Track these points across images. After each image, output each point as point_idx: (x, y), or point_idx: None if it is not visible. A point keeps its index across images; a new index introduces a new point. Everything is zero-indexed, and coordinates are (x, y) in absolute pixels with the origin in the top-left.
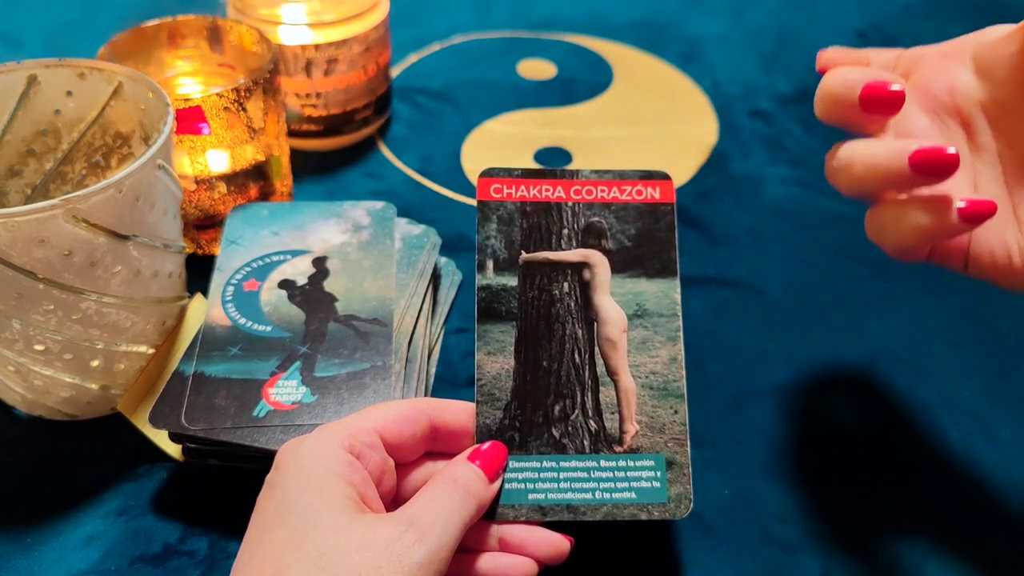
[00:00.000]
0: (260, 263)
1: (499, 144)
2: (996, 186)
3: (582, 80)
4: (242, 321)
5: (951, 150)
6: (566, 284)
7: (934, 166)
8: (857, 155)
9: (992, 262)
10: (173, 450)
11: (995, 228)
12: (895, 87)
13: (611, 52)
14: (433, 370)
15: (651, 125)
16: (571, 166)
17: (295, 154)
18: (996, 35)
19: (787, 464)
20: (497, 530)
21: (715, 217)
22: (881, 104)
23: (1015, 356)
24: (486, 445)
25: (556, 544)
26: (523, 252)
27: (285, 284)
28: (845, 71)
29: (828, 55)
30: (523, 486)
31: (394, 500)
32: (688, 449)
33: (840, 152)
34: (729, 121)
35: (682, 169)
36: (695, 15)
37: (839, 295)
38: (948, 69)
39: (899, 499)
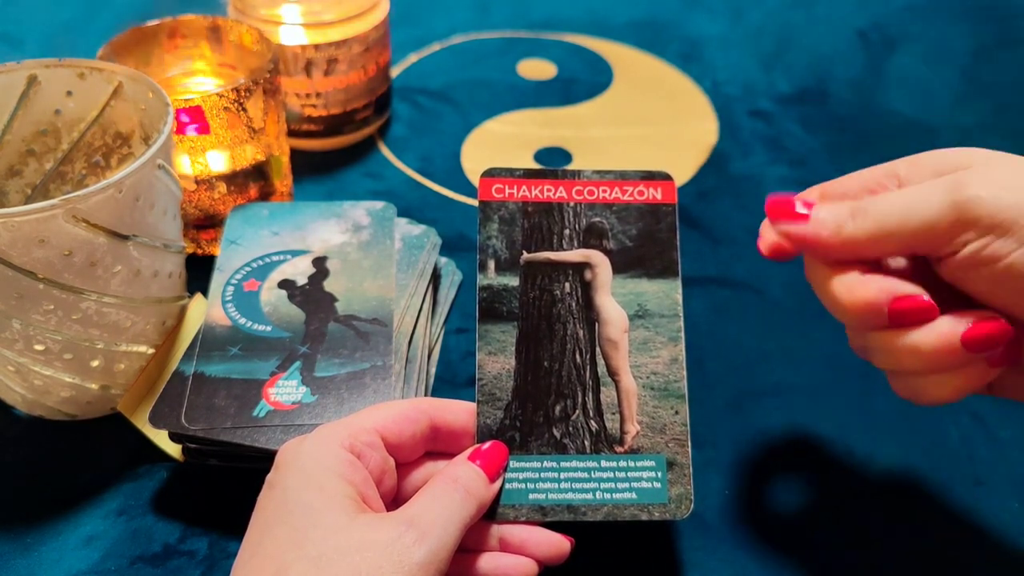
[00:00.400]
0: (260, 263)
1: (499, 144)
2: None
3: (582, 80)
4: (242, 321)
5: (1000, 319)
6: (567, 284)
7: (990, 341)
8: (904, 348)
9: (1014, 386)
10: (173, 450)
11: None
12: (925, 299)
13: (611, 52)
14: (433, 370)
15: (651, 125)
16: (571, 166)
17: (295, 154)
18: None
19: (787, 464)
20: (497, 530)
21: (715, 217)
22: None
23: None
24: (487, 445)
25: (556, 544)
26: (524, 252)
27: (285, 284)
28: (858, 281)
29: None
30: (524, 486)
31: (394, 500)
32: (689, 450)
33: (881, 345)
34: (729, 121)
35: (682, 169)
36: (695, 15)
37: None
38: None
39: (899, 499)
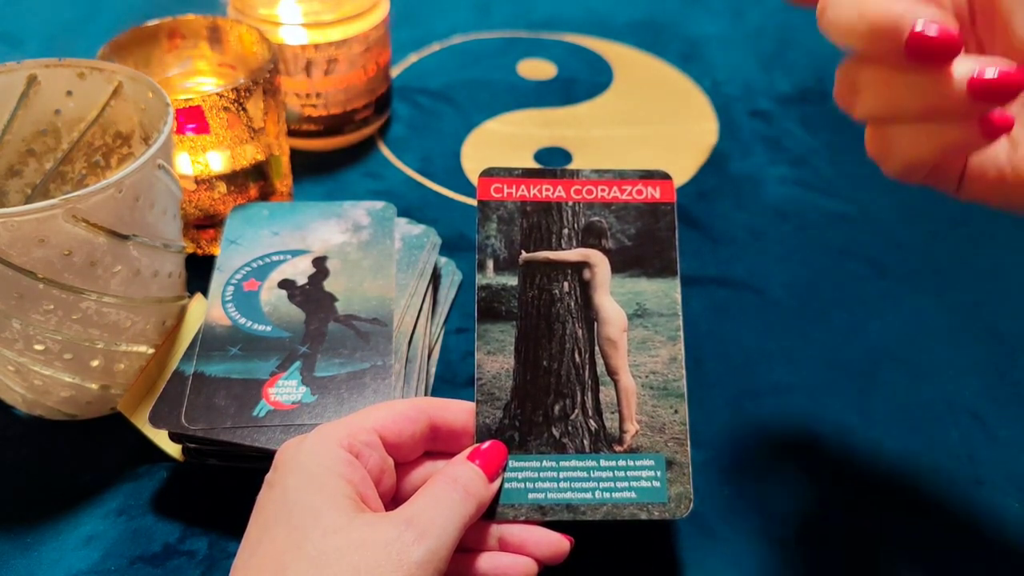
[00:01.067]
0: (260, 263)
1: (499, 144)
2: None
3: (582, 80)
4: (242, 321)
5: (1013, 69)
6: (566, 284)
7: (1001, 91)
8: (898, 80)
9: (984, 179)
10: (173, 450)
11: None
12: (951, 30)
13: (611, 52)
14: (433, 370)
15: (651, 125)
16: (571, 166)
17: (295, 154)
18: None
19: (787, 464)
20: (497, 529)
21: (715, 217)
22: (936, 55)
23: (1015, 356)
24: (486, 444)
25: (556, 544)
26: (523, 252)
27: (285, 284)
28: None
29: None
30: (523, 485)
31: (394, 499)
32: (688, 449)
33: (878, 80)
34: (729, 121)
35: (682, 169)
36: (695, 15)
37: (839, 295)
38: None
39: (899, 499)
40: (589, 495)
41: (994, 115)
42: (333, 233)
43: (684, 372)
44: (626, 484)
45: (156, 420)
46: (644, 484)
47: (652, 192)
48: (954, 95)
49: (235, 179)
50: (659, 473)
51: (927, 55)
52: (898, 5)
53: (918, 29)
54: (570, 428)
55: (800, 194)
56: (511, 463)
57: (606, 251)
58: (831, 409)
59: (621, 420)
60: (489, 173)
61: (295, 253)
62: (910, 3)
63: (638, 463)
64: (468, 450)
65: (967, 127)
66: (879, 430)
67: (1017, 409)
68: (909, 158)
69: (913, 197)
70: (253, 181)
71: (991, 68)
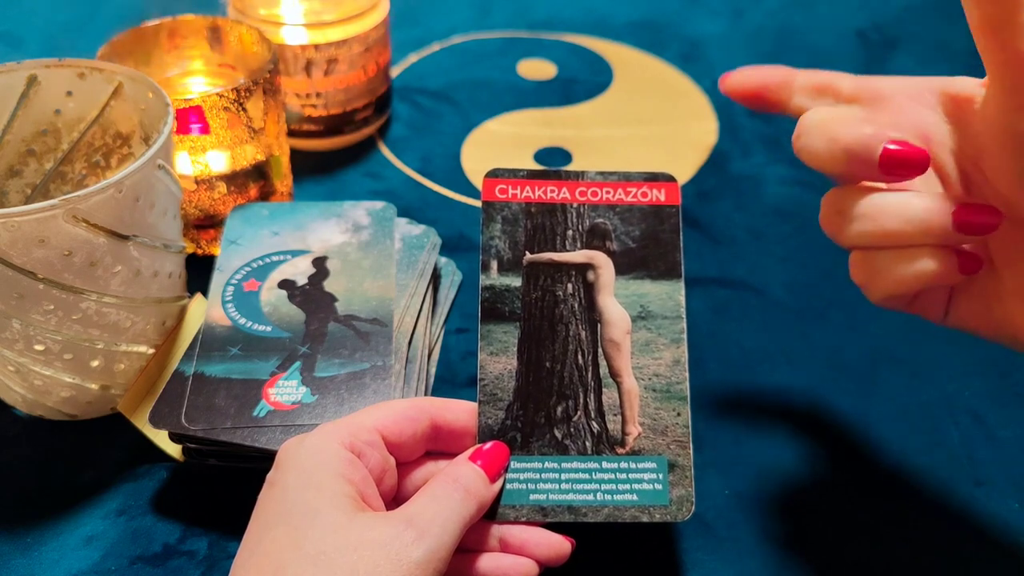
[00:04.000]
0: (260, 263)
1: (499, 144)
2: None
3: (582, 80)
4: (242, 321)
5: (995, 209)
6: (570, 285)
7: (980, 227)
8: (889, 209)
9: (971, 318)
10: (173, 450)
11: (975, 286)
12: (919, 146)
13: (611, 52)
14: (433, 370)
15: (651, 125)
16: (571, 166)
17: (295, 154)
18: (964, 88)
19: (787, 464)
20: (498, 530)
21: (715, 217)
22: (907, 167)
23: (1015, 356)
24: (488, 445)
25: (557, 545)
26: (527, 253)
27: (285, 284)
28: (851, 122)
29: (740, 77)
30: (524, 486)
31: (395, 499)
32: (690, 452)
33: (863, 206)
34: (729, 121)
35: (682, 169)
36: (695, 15)
37: (839, 295)
38: (917, 113)
39: (899, 499)
40: (591, 497)
41: (973, 252)
42: (333, 233)
43: (687, 375)
44: (628, 486)
45: (156, 420)
46: (646, 486)
47: (657, 194)
48: (940, 224)
49: (235, 179)
50: (661, 476)
51: (900, 169)
52: (866, 128)
53: (890, 147)
54: (572, 430)
55: (800, 194)
56: (513, 464)
57: (610, 253)
58: (831, 409)
59: (623, 422)
60: (494, 174)
61: (295, 253)
62: (877, 127)
63: (640, 465)
64: (470, 450)
65: (947, 259)
66: (879, 430)
67: (1017, 409)
68: (892, 285)
69: None
70: (253, 181)
71: (978, 207)
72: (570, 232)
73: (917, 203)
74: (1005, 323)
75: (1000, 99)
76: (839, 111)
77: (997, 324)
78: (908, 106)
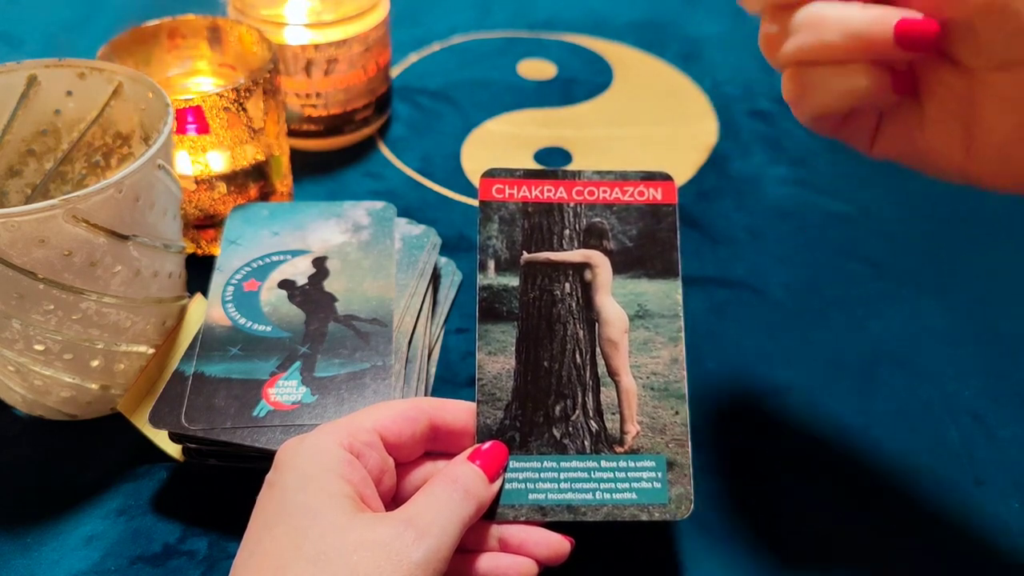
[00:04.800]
0: (260, 263)
1: (499, 144)
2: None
3: (582, 80)
4: (242, 321)
5: (934, 21)
6: (567, 285)
7: (919, 40)
8: (831, 18)
9: (895, 140)
10: (173, 450)
11: (902, 116)
12: (932, 21)
13: (611, 52)
14: (433, 370)
15: (651, 125)
16: (571, 166)
17: (295, 154)
18: None
19: (787, 464)
20: (497, 530)
21: (715, 217)
22: (920, 42)
23: (1015, 356)
24: (487, 445)
25: (556, 545)
26: (525, 252)
27: (285, 284)
28: (843, 6)
29: None
30: (523, 486)
31: (394, 499)
32: (689, 450)
33: (807, 13)
34: (729, 121)
35: (682, 169)
36: (695, 15)
37: (839, 295)
38: None
39: (899, 499)
40: (590, 496)
41: (905, 72)
42: (333, 233)
43: (685, 373)
44: (627, 485)
45: (156, 420)
46: (645, 485)
47: (654, 193)
48: (881, 37)
49: (235, 179)
50: (660, 474)
51: (915, 41)
52: (873, 9)
53: (905, 22)
54: (571, 429)
55: (800, 194)
56: (512, 463)
57: (607, 252)
58: (831, 409)
59: (622, 421)
60: (491, 174)
61: (295, 253)
62: (882, 7)
63: (639, 464)
64: (469, 450)
65: (882, 75)
66: (879, 430)
67: (1017, 409)
68: (825, 101)
69: (913, 197)
70: (253, 181)
71: (919, 19)
72: (567, 231)
73: (859, 15)
74: (927, 151)
75: None
76: (832, 4)
77: (920, 153)
78: None
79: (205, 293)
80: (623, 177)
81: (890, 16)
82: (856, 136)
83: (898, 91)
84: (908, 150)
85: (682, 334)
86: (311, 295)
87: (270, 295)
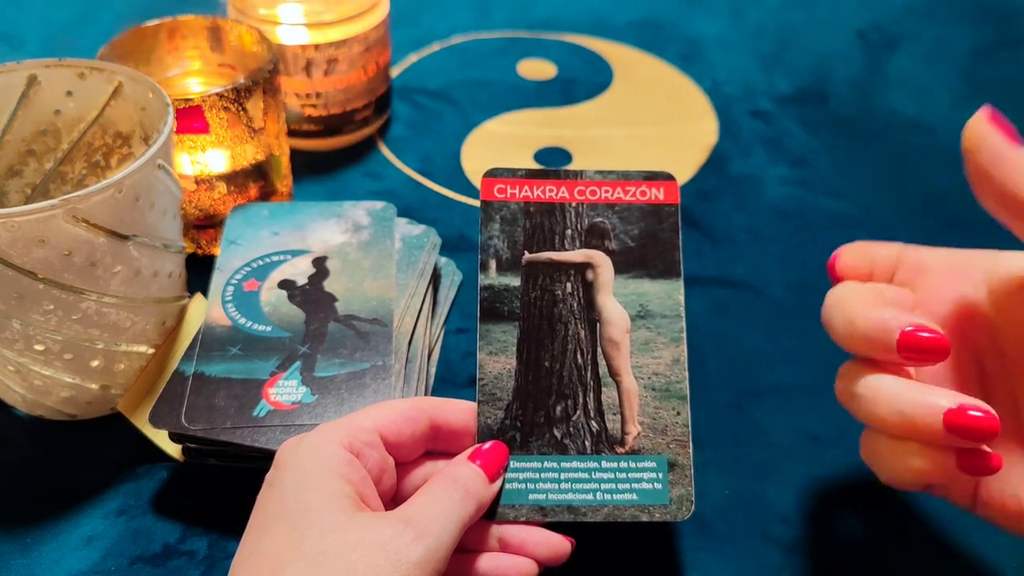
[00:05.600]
0: (260, 263)
1: (499, 144)
2: (1007, 426)
3: (582, 80)
4: (242, 321)
5: (992, 414)
6: (569, 284)
7: (973, 432)
8: (883, 395)
9: (1002, 509)
10: (173, 450)
11: (1006, 475)
12: (940, 334)
13: (611, 52)
14: (433, 370)
15: (651, 125)
16: (571, 166)
17: (295, 154)
18: (1010, 266)
19: (787, 464)
20: (497, 530)
21: (715, 217)
22: (925, 353)
23: None
24: (487, 445)
25: (557, 545)
26: (526, 252)
27: (285, 284)
28: (870, 305)
29: (844, 260)
30: (524, 486)
31: (394, 499)
32: (690, 451)
33: (863, 385)
34: (729, 121)
35: (682, 169)
36: (695, 15)
37: None
38: (958, 289)
39: (899, 500)
40: (590, 496)
41: (976, 454)
42: (333, 233)
43: (687, 374)
44: (628, 486)
45: (156, 420)
46: (646, 486)
47: (656, 193)
48: (930, 423)
49: (235, 179)
50: (661, 475)
51: (918, 355)
52: (885, 311)
53: (907, 331)
54: (572, 429)
55: (800, 194)
56: (512, 463)
57: (609, 252)
58: (831, 409)
59: (623, 421)
60: (492, 173)
61: (295, 253)
62: (895, 311)
63: (640, 465)
64: (469, 450)
65: (939, 458)
66: None
67: None
68: (892, 476)
69: (913, 197)
70: (253, 181)
71: (975, 409)
72: (569, 231)
73: (908, 396)
74: None
75: None
76: (861, 290)
77: None
78: (947, 281)
79: (205, 293)
80: (625, 177)
81: (941, 402)
82: (953, 498)
83: (969, 472)
84: (1014, 514)
85: (684, 335)
86: (311, 295)
87: (270, 295)
